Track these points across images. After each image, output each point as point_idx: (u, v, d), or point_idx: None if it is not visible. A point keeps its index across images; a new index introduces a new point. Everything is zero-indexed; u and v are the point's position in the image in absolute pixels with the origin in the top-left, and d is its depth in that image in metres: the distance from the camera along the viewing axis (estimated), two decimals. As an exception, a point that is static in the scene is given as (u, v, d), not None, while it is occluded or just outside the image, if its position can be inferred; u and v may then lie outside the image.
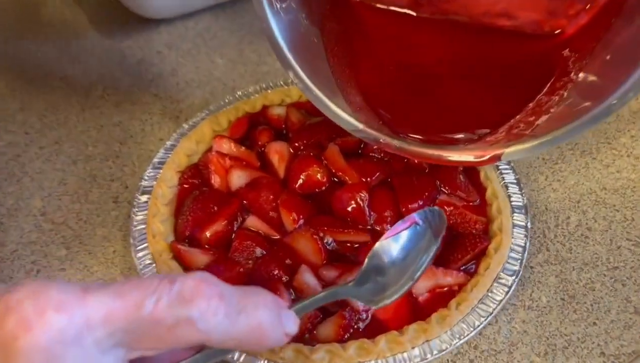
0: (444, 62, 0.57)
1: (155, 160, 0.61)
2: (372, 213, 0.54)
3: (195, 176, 0.59)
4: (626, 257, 0.56)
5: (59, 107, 0.74)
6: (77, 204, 0.63)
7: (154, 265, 0.52)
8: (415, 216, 0.48)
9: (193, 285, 0.29)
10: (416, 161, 0.58)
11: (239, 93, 0.68)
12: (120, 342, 0.28)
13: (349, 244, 0.53)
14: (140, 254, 0.53)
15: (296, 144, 0.60)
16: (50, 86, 0.77)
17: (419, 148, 0.49)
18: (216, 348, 0.33)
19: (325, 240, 0.52)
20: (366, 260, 0.45)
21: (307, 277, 0.49)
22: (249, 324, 0.31)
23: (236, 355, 0.45)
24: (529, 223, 0.54)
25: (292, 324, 0.35)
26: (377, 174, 0.57)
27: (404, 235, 0.47)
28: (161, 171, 0.59)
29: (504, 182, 0.57)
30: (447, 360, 0.49)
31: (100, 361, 0.27)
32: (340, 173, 0.57)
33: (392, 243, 0.46)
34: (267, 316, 0.32)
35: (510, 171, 0.58)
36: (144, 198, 0.57)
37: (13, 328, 0.25)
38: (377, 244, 0.46)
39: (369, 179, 0.57)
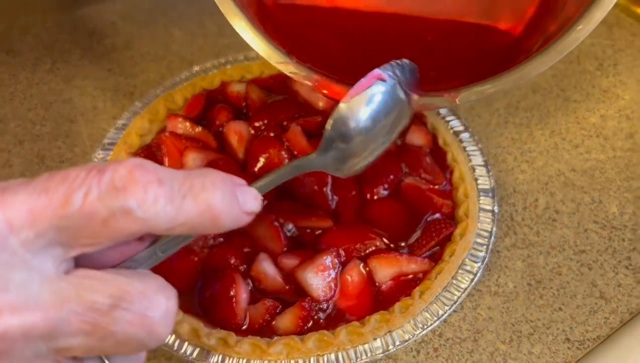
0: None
1: (106, 140, 0.57)
2: (334, 197, 0.52)
3: (148, 157, 0.55)
4: (593, 240, 0.55)
5: (4, 82, 0.69)
6: (22, 187, 0.59)
7: (102, 254, 0.48)
8: (379, 71, 0.40)
9: (126, 172, 0.26)
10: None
11: (197, 68, 0.64)
12: (53, 241, 0.26)
13: (309, 230, 0.50)
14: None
15: (256, 124, 0.57)
16: (-5, 59, 0.72)
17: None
18: (172, 237, 0.31)
19: (286, 227, 0.50)
20: (329, 125, 0.39)
21: (265, 266, 0.47)
22: (197, 207, 0.28)
23: (189, 350, 0.43)
24: (496, 208, 0.52)
25: (251, 201, 0.32)
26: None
27: (371, 96, 0.39)
28: (111, 153, 0.55)
29: (472, 164, 0.55)
30: (411, 348, 0.48)
31: (31, 263, 0.25)
32: (302, 155, 0.54)
33: (358, 106, 0.39)
34: (218, 196, 0.29)
35: (478, 153, 0.56)
36: (93, 181, 0.53)
37: None
38: (342, 106, 0.39)
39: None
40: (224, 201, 0.29)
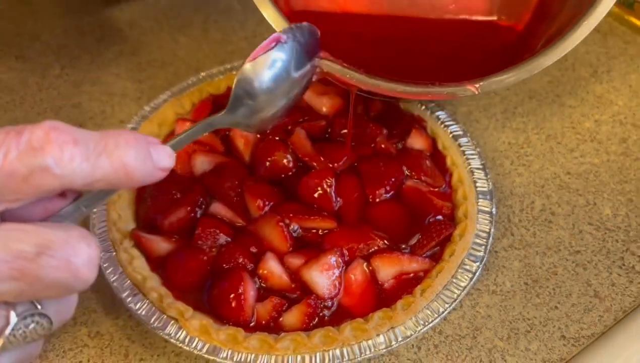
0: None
1: (116, 144, 0.59)
2: (338, 199, 0.54)
3: (157, 161, 0.57)
4: (587, 241, 0.57)
5: (14, 87, 0.71)
6: (34, 189, 0.60)
7: (113, 253, 0.50)
8: (279, 34, 0.43)
9: (42, 133, 0.28)
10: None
11: (203, 74, 0.66)
12: None
13: (314, 231, 0.52)
14: (99, 242, 0.51)
15: (262, 128, 0.59)
16: (6, 66, 0.73)
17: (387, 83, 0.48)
18: (94, 193, 0.33)
19: (291, 227, 0.51)
20: (234, 85, 0.42)
21: (272, 265, 0.49)
22: (111, 165, 0.30)
23: (199, 346, 0.45)
24: (494, 209, 0.54)
25: (165, 158, 0.34)
26: (344, 159, 0.56)
27: (273, 59, 0.42)
28: (122, 156, 0.57)
29: (470, 168, 0.57)
30: (412, 345, 0.49)
31: None
32: (306, 158, 0.56)
33: (262, 68, 0.42)
34: (132, 154, 0.31)
35: (477, 156, 0.58)
36: (103, 184, 0.55)
37: None
38: (247, 67, 0.42)
39: (335, 165, 0.56)
40: (138, 158, 0.32)
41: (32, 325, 0.30)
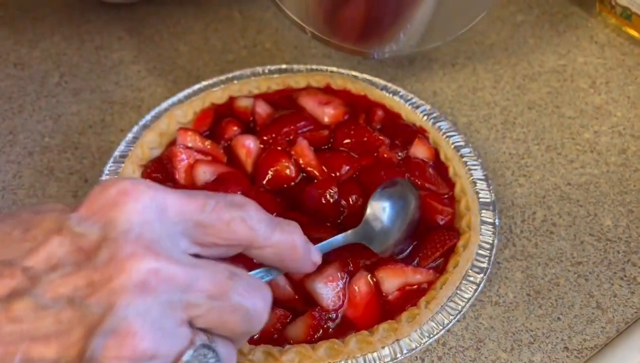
0: None
1: (117, 153, 0.58)
2: (343, 209, 0.54)
3: (158, 170, 0.57)
4: (589, 252, 0.57)
5: (13, 95, 0.70)
6: (33, 198, 0.60)
7: (116, 264, 0.50)
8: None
9: (241, 198, 0.36)
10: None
11: (204, 83, 0.66)
12: (185, 231, 0.33)
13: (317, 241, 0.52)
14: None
15: (264, 138, 0.59)
16: (4, 73, 0.73)
17: None
18: (267, 267, 0.39)
19: (294, 238, 0.51)
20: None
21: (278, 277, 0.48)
22: (284, 238, 0.36)
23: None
24: (497, 220, 0.54)
25: (317, 253, 0.41)
26: (347, 168, 0.56)
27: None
28: (122, 165, 0.57)
29: (472, 178, 0.57)
30: (416, 357, 0.49)
31: (175, 237, 0.32)
32: (309, 168, 0.56)
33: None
34: (299, 238, 0.38)
35: (479, 167, 0.58)
36: (105, 193, 0.55)
37: (114, 196, 0.31)
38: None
39: (338, 174, 0.56)
40: (302, 242, 0.38)
41: (205, 358, 0.32)
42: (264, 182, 0.55)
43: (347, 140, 0.59)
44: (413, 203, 0.52)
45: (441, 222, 0.54)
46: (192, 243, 0.33)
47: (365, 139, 0.59)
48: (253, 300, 0.34)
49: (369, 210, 0.50)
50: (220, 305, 0.32)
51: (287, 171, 0.55)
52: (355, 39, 0.64)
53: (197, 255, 0.33)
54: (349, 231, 0.48)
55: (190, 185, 0.55)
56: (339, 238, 0.47)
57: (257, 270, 0.39)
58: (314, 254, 0.40)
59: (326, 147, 0.60)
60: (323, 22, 0.62)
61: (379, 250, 0.49)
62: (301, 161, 0.57)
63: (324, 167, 0.56)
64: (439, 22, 0.64)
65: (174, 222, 0.32)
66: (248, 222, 0.34)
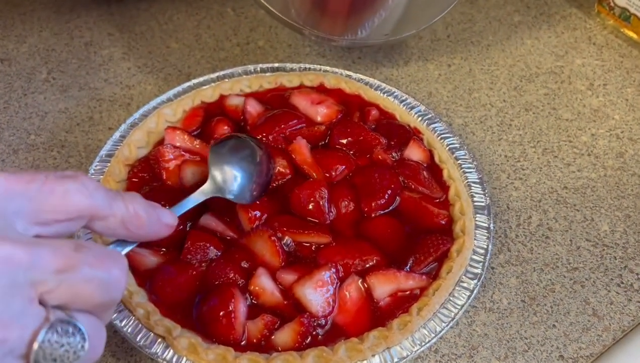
0: None
1: (103, 152, 0.57)
2: (331, 211, 0.52)
3: (145, 170, 0.56)
4: (585, 258, 0.56)
5: (-1, 91, 0.69)
6: (17, 198, 0.58)
7: (99, 267, 0.48)
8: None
9: (72, 172, 0.35)
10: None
11: (195, 81, 0.64)
12: (20, 211, 0.32)
13: (307, 245, 0.50)
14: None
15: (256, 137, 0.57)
16: (-11, 68, 0.71)
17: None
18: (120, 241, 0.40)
19: (284, 241, 0.50)
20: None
21: (264, 281, 0.47)
22: (125, 208, 0.37)
23: (187, 365, 0.43)
24: (491, 225, 0.53)
25: (167, 215, 0.41)
26: (342, 168, 0.55)
27: None
28: (109, 165, 0.55)
29: (467, 181, 0.56)
30: (407, 364, 0.48)
31: (6, 221, 0.32)
32: (305, 166, 0.55)
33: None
34: (140, 204, 0.38)
35: (474, 170, 0.57)
36: (90, 193, 0.53)
37: None
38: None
39: (333, 174, 0.55)
40: (145, 207, 0.38)
41: (65, 338, 0.31)
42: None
43: (344, 139, 0.57)
44: (257, 151, 0.53)
45: (443, 222, 0.53)
46: (32, 224, 0.33)
47: (362, 138, 0.58)
48: (106, 269, 0.33)
49: (211, 167, 0.50)
50: (70, 278, 0.31)
51: (280, 168, 0.54)
52: (339, 24, 0.64)
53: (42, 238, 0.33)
54: (199, 190, 0.49)
55: (178, 185, 0.54)
56: (191, 198, 0.47)
57: (111, 243, 0.40)
58: (165, 216, 0.40)
59: (322, 143, 0.58)
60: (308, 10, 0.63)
61: (233, 197, 0.50)
62: (297, 160, 0.55)
63: (319, 167, 0.55)
64: (413, 10, 0.63)
65: (4, 201, 0.32)
66: (84, 191, 0.34)
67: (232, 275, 0.47)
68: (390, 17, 0.62)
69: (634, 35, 0.77)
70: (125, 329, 0.45)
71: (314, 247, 0.50)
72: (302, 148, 0.55)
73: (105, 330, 0.35)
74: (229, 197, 0.50)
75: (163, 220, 0.40)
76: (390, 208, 0.53)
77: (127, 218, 0.37)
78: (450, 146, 0.59)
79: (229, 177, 0.50)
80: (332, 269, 0.47)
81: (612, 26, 0.79)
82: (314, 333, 0.45)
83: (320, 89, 0.63)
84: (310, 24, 0.63)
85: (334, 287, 0.47)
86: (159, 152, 0.55)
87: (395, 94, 0.64)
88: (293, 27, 0.65)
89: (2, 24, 0.77)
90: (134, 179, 0.55)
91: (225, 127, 0.58)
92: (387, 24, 0.64)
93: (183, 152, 0.55)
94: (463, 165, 0.57)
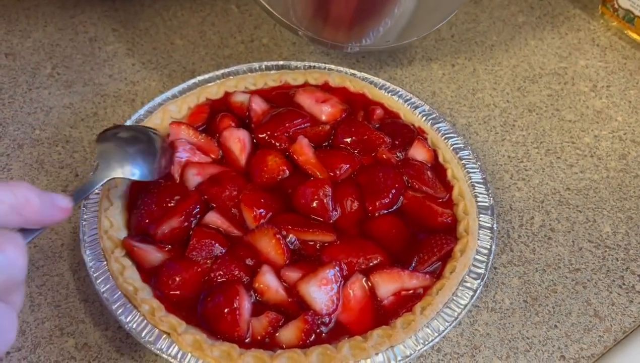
0: None
1: (108, 148, 0.57)
2: (336, 210, 0.52)
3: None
4: (587, 259, 0.56)
5: (4, 86, 0.69)
6: (21, 193, 0.58)
7: (104, 262, 0.48)
8: None
9: None
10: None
11: (199, 78, 0.64)
12: None
13: (312, 243, 0.51)
14: (89, 251, 0.49)
15: (260, 135, 0.57)
16: (-6, 62, 0.71)
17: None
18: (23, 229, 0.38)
19: (289, 239, 0.50)
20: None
21: (268, 278, 0.47)
22: (13, 194, 0.36)
23: (192, 362, 0.43)
24: (495, 225, 0.53)
25: (62, 199, 0.40)
26: (346, 167, 0.55)
27: None
28: (114, 161, 0.55)
29: (471, 181, 0.56)
30: (410, 363, 0.48)
31: None
32: (307, 166, 0.55)
33: None
34: (29, 190, 0.37)
35: (477, 170, 0.57)
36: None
37: None
38: None
39: (337, 173, 0.55)
40: (35, 193, 0.37)
41: None
42: (259, 178, 0.54)
43: (348, 138, 0.58)
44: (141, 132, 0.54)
45: (447, 222, 0.53)
46: None
47: (366, 137, 0.58)
48: (1, 249, 0.33)
49: (99, 158, 0.49)
50: None
51: (283, 167, 0.54)
52: (342, 31, 0.64)
53: None
54: (93, 173, 0.48)
55: (182, 182, 0.54)
56: (91, 182, 0.47)
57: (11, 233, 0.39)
58: (59, 200, 0.40)
59: (326, 144, 0.58)
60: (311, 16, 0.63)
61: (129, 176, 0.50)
62: (299, 159, 0.55)
63: (323, 166, 0.55)
64: (419, 17, 0.63)
65: None
66: None
67: (237, 272, 0.47)
68: (395, 25, 0.62)
69: (638, 37, 0.77)
70: (130, 325, 0.45)
71: (318, 245, 0.51)
72: (303, 148, 0.55)
73: (15, 314, 0.35)
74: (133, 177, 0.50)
75: (57, 203, 0.40)
76: (394, 207, 0.54)
77: (16, 204, 0.36)
78: (454, 146, 0.59)
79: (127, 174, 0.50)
80: (337, 267, 0.48)
81: (615, 28, 0.79)
82: (318, 331, 0.46)
83: (325, 88, 0.63)
84: (312, 31, 0.64)
85: (338, 285, 0.47)
86: (172, 144, 0.55)
87: (400, 93, 0.64)
88: (293, 30, 0.65)
89: (7, 18, 0.77)
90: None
91: (231, 123, 0.58)
92: (392, 32, 0.64)
93: (194, 148, 0.55)
94: (467, 165, 0.57)
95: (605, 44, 0.78)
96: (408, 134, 0.59)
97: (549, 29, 0.80)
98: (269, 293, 0.47)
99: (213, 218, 0.51)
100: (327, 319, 0.46)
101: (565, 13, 0.82)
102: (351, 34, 0.64)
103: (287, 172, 0.55)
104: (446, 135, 0.60)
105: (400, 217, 0.53)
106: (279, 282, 0.47)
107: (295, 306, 0.47)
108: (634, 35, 0.77)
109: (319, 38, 0.64)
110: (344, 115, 0.60)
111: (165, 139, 0.56)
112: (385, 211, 0.53)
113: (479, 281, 0.49)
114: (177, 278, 0.47)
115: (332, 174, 0.55)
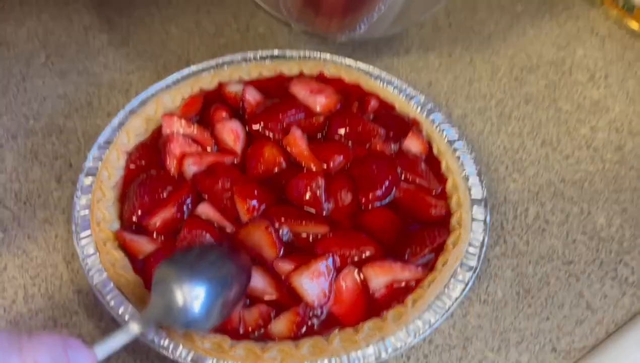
0: None
1: (101, 139, 0.57)
2: (329, 202, 0.52)
3: (143, 157, 0.56)
4: (581, 251, 0.56)
5: (-3, 75, 0.68)
6: (16, 183, 0.58)
7: (97, 254, 0.48)
8: None
9: None
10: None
11: (194, 68, 0.64)
12: None
13: (305, 235, 0.51)
14: (83, 242, 0.49)
15: (254, 127, 0.57)
16: (-12, 51, 0.71)
17: None
18: None
19: (281, 231, 0.50)
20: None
21: (256, 280, 0.47)
22: (23, 361, 0.35)
23: (183, 354, 0.43)
24: (488, 218, 0.53)
25: (82, 359, 0.37)
26: (340, 159, 0.55)
27: None
28: (107, 152, 0.55)
29: (465, 174, 0.56)
30: (402, 355, 0.48)
31: None
32: (300, 158, 0.55)
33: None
34: (46, 354, 0.35)
35: (472, 161, 0.57)
36: (88, 180, 0.53)
37: None
38: None
39: (331, 164, 0.55)
40: (54, 358, 0.35)
41: None
42: (254, 170, 0.54)
43: (342, 130, 0.57)
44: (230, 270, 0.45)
45: (440, 214, 0.53)
46: None
47: (360, 128, 0.58)
48: None
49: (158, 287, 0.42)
50: None
51: (278, 159, 0.54)
52: (335, 20, 0.63)
53: None
54: (136, 318, 0.42)
55: (178, 173, 0.54)
56: (122, 335, 0.41)
57: None
58: (78, 360, 0.37)
59: (320, 135, 0.58)
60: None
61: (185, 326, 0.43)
62: (292, 151, 0.55)
63: (316, 158, 0.55)
64: (409, 6, 0.63)
65: None
66: None
67: (228, 264, 0.48)
68: (389, 11, 0.62)
69: (637, 27, 0.76)
70: (122, 316, 0.45)
71: (311, 237, 0.51)
72: (297, 140, 0.55)
73: None
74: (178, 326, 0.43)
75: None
76: (388, 199, 0.53)
77: None
78: (449, 137, 0.59)
79: (187, 297, 0.42)
80: (329, 259, 0.48)
81: (615, 17, 0.78)
82: (310, 323, 0.46)
83: (320, 78, 0.63)
84: (304, 21, 0.63)
85: (331, 277, 0.47)
86: (168, 137, 0.55)
87: (395, 83, 0.63)
88: (286, 23, 0.65)
89: (0, 6, 0.76)
90: (131, 166, 0.55)
91: (224, 114, 0.58)
92: (386, 19, 0.63)
93: (189, 140, 0.55)
94: (461, 157, 0.57)
95: (604, 33, 0.77)
96: (402, 126, 0.59)
97: (548, 17, 0.79)
98: (256, 292, 0.47)
99: (205, 209, 0.51)
100: (318, 311, 0.46)
101: (564, 1, 0.81)
102: (344, 23, 0.63)
103: (284, 163, 0.55)
104: (441, 126, 0.60)
105: (393, 210, 0.53)
106: (266, 282, 0.47)
107: (287, 298, 0.47)
108: (633, 24, 0.76)
109: (311, 29, 0.63)
110: (338, 107, 0.60)
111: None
112: (379, 203, 0.53)
113: (471, 273, 0.49)
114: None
115: (325, 166, 0.55)
